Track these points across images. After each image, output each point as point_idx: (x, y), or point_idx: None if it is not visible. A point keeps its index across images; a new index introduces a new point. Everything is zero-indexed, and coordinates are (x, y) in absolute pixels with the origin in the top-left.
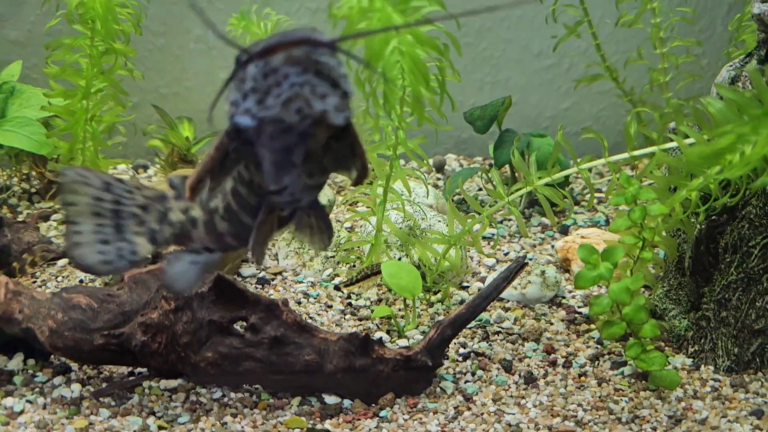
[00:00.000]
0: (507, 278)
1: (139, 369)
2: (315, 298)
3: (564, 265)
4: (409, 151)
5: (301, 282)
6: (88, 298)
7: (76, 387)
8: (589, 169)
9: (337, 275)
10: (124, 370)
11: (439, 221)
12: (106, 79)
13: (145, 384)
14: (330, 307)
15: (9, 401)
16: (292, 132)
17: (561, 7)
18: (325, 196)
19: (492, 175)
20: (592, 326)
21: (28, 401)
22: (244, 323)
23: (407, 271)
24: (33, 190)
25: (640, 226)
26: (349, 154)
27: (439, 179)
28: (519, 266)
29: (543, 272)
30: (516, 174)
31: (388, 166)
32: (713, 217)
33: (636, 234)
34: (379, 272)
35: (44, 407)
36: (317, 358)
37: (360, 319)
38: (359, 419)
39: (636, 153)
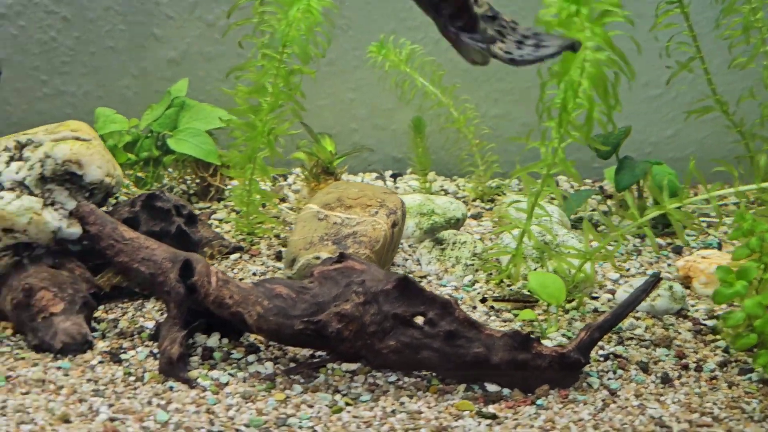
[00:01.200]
0: (645, 290)
1: (319, 352)
2: (461, 301)
3: (685, 282)
4: (569, 169)
5: (444, 286)
6: (287, 288)
7: (269, 365)
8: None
9: (476, 281)
10: (305, 352)
11: (572, 237)
12: (288, 97)
13: (329, 366)
14: (474, 308)
15: (215, 374)
16: None
17: (674, 44)
18: (459, 209)
19: (613, 198)
20: (718, 337)
21: (230, 374)
22: (422, 317)
23: (553, 281)
24: (191, 191)
25: (759, 252)
26: None
27: (552, 199)
28: (656, 280)
29: (671, 287)
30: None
31: (539, 183)
32: None
33: (756, 259)
34: (531, 303)
35: (244, 380)
36: (485, 351)
37: (504, 321)
38: (519, 406)
39: (764, 185)
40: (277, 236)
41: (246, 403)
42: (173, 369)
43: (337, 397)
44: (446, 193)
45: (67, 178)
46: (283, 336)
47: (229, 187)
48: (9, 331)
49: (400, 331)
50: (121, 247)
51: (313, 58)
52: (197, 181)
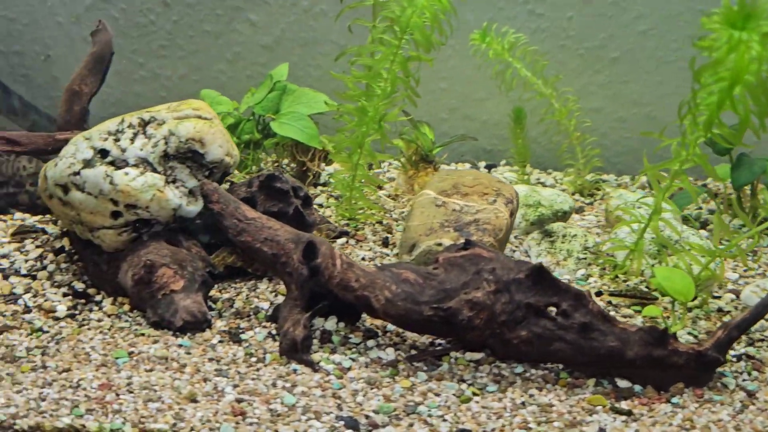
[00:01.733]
0: None
1: (439, 340)
2: None
3: None
4: (706, 165)
5: None
6: (414, 274)
7: (389, 351)
8: None
9: (590, 276)
10: (424, 339)
11: (692, 234)
12: (405, 83)
13: (452, 354)
14: None
15: (337, 357)
16: None
17: None
18: (566, 202)
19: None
20: None
21: (351, 359)
22: (555, 308)
23: (681, 277)
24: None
25: None
26: None
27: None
28: None
29: None
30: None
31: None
32: None
33: None
34: (649, 300)
35: (366, 366)
36: (620, 345)
37: (623, 317)
38: (654, 403)
39: None
40: (380, 222)
41: (371, 389)
42: (296, 351)
43: (463, 386)
44: (543, 185)
45: (189, 156)
46: (410, 322)
47: (326, 172)
48: (126, 307)
49: (533, 322)
50: (243, 226)
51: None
52: (292, 165)
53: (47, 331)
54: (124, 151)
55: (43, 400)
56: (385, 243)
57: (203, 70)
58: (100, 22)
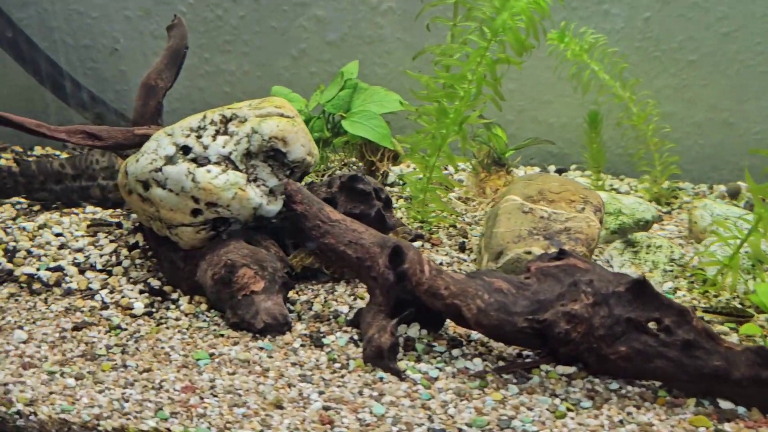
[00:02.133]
0: None
1: (527, 352)
2: None
3: None
4: None
5: None
6: (507, 283)
7: (477, 361)
8: None
9: (677, 289)
10: (510, 350)
11: None
12: (493, 86)
13: (542, 367)
14: None
15: (423, 366)
16: None
17: None
18: (649, 211)
19: None
20: None
21: (437, 368)
22: (656, 324)
23: None
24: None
25: None
26: None
27: (735, 206)
28: None
29: None
30: None
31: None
32: None
33: None
34: (745, 317)
35: (453, 376)
36: (725, 365)
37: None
38: (761, 426)
39: None
40: (453, 226)
41: (461, 400)
42: (382, 359)
43: (557, 401)
44: (617, 192)
45: (272, 154)
46: (502, 333)
47: (394, 172)
48: (204, 306)
49: (633, 337)
50: (327, 228)
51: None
52: (359, 164)
53: (125, 329)
54: (206, 148)
55: (126, 401)
56: (462, 248)
57: (267, 66)
58: (176, 17)
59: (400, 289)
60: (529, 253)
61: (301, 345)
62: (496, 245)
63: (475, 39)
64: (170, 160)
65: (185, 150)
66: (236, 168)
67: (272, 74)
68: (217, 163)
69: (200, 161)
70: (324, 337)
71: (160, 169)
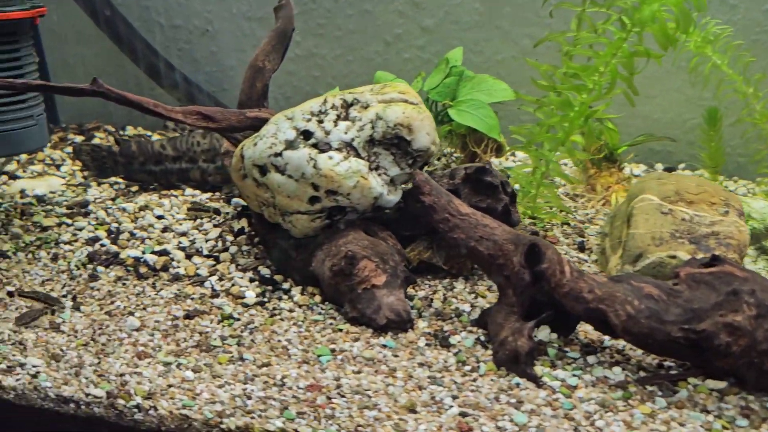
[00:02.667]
0: None
1: (668, 362)
2: None
3: None
4: None
5: None
6: (657, 289)
7: (617, 370)
8: None
9: None
10: (650, 359)
11: None
12: (628, 81)
13: (689, 380)
14: None
15: (560, 373)
16: None
17: None
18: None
19: None
20: None
21: (575, 376)
22: None
23: None
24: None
25: None
26: None
27: None
28: None
29: None
30: None
31: None
32: None
33: None
34: None
35: (593, 385)
36: None
37: None
38: None
39: None
40: (567, 224)
41: (606, 412)
42: (518, 364)
43: (709, 417)
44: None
45: (395, 142)
46: (652, 342)
47: (496, 164)
48: (318, 297)
49: None
50: (456, 222)
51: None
52: (456, 155)
53: (238, 319)
54: (328, 133)
55: (249, 397)
56: (581, 247)
57: (358, 50)
58: None
59: (536, 291)
60: (674, 257)
61: (427, 344)
62: (635, 247)
63: (611, 29)
64: (290, 144)
65: (306, 135)
66: (358, 155)
67: (364, 59)
68: (339, 150)
69: (321, 147)
70: (449, 336)
71: (280, 154)
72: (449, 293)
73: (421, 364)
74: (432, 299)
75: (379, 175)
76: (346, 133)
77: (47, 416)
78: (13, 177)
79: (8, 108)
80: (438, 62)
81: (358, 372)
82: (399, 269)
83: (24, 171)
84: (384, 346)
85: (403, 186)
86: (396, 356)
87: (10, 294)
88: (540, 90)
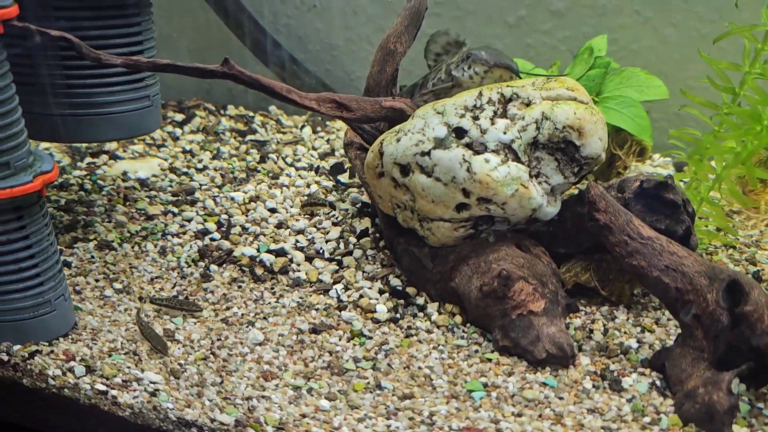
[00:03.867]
0: None
1: None
2: None
3: None
4: None
5: None
6: None
7: None
8: None
9: None
10: None
11: None
12: None
13: None
14: None
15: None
16: None
17: None
18: None
19: None
20: None
21: None
22: None
23: None
24: None
25: None
26: None
27: None
28: None
29: None
30: None
31: None
32: None
33: None
34: None
35: None
36: None
37: None
38: None
39: None
40: (733, 247)
41: None
42: (712, 422)
43: None
44: None
45: (562, 147)
46: None
47: (633, 169)
48: (458, 318)
49: None
50: (636, 246)
51: None
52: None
53: (370, 337)
54: (484, 132)
55: None
56: (758, 278)
57: (477, 33)
58: None
59: (735, 336)
60: None
61: (594, 386)
62: None
63: None
64: (441, 143)
65: (459, 133)
66: (518, 159)
67: (482, 43)
68: (496, 152)
69: (476, 148)
70: (616, 376)
71: (428, 153)
72: (610, 324)
73: (590, 411)
74: (591, 330)
75: (540, 183)
76: (505, 133)
77: None
78: (114, 157)
79: (125, 88)
80: (578, 51)
81: (519, 415)
82: (560, 294)
83: (124, 151)
84: (544, 384)
85: (561, 197)
86: (560, 398)
87: (141, 299)
88: (713, 89)
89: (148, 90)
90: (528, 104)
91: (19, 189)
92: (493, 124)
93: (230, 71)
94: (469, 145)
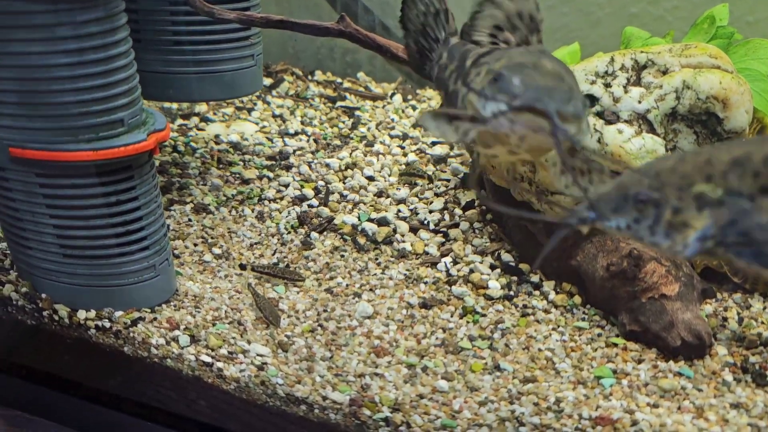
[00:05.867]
0: None
1: None
2: None
3: None
4: None
5: None
6: None
7: None
8: None
9: None
10: None
11: None
12: None
13: None
14: None
15: None
16: None
17: None
18: None
19: None
20: None
21: None
22: None
23: None
24: None
25: None
26: None
27: None
28: None
29: None
30: None
31: None
32: None
33: None
34: None
35: None
36: None
37: None
38: None
39: None
40: None
41: None
42: None
43: None
44: None
45: (702, 119)
46: None
47: None
48: (577, 298)
49: None
50: None
51: None
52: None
53: (483, 315)
54: (617, 101)
55: (521, 423)
56: None
57: (576, 1)
58: None
59: None
60: None
61: (735, 379)
62: None
63: None
64: None
65: (590, 100)
66: (653, 131)
67: (581, 12)
68: (629, 122)
69: (608, 117)
70: (762, 371)
71: None
72: (745, 312)
73: (734, 405)
74: (725, 318)
75: None
76: (639, 102)
77: (268, 414)
78: (204, 119)
79: (230, 45)
80: (696, 20)
81: (655, 406)
82: (695, 278)
83: (215, 114)
84: (679, 374)
85: None
86: (699, 390)
87: (242, 267)
88: None
89: (252, 49)
90: (665, 72)
91: (133, 147)
92: (626, 92)
93: (346, 29)
94: (600, 114)
